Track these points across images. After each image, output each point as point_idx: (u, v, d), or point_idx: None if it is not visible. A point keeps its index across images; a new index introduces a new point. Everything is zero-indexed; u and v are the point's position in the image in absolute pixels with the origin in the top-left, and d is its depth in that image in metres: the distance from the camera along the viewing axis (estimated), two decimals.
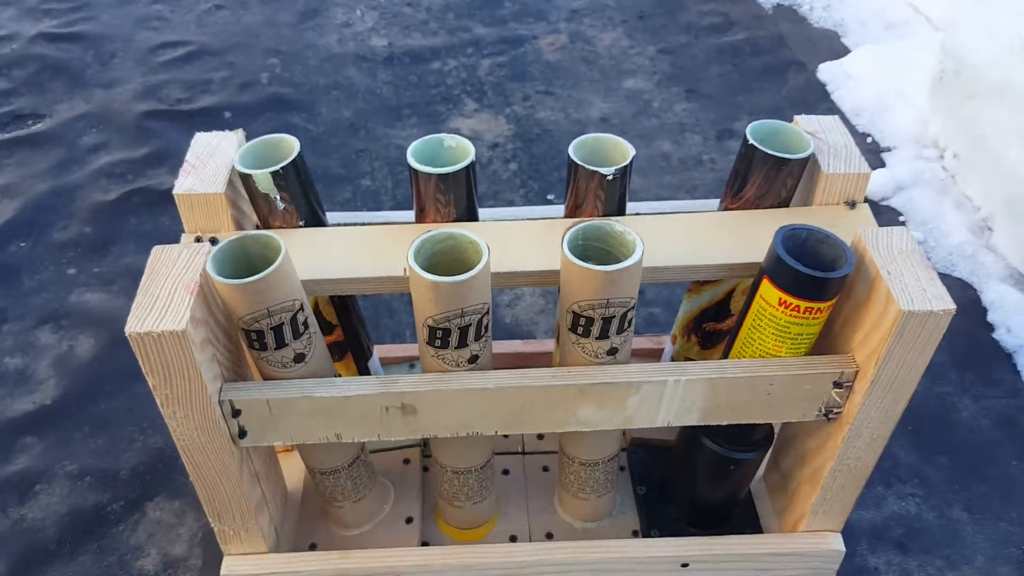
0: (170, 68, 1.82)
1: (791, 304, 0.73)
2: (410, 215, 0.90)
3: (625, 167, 0.81)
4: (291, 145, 0.80)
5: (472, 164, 0.81)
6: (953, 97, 1.45)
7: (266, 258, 0.72)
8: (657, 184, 1.51)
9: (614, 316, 0.73)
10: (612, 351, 0.77)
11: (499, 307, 1.28)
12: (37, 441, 1.09)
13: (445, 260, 0.74)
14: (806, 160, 0.83)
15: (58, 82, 1.78)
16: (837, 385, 0.77)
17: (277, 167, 0.78)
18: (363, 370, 0.97)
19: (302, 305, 0.73)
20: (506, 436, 1.06)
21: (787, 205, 0.86)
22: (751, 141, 0.82)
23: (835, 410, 0.79)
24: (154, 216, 1.43)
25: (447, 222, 0.83)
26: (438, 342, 0.74)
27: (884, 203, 1.46)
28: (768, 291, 0.75)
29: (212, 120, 1.66)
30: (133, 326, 0.67)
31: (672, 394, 0.77)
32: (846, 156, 0.85)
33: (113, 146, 1.59)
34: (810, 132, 0.87)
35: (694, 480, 0.92)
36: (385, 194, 1.50)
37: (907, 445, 1.09)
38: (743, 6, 2.05)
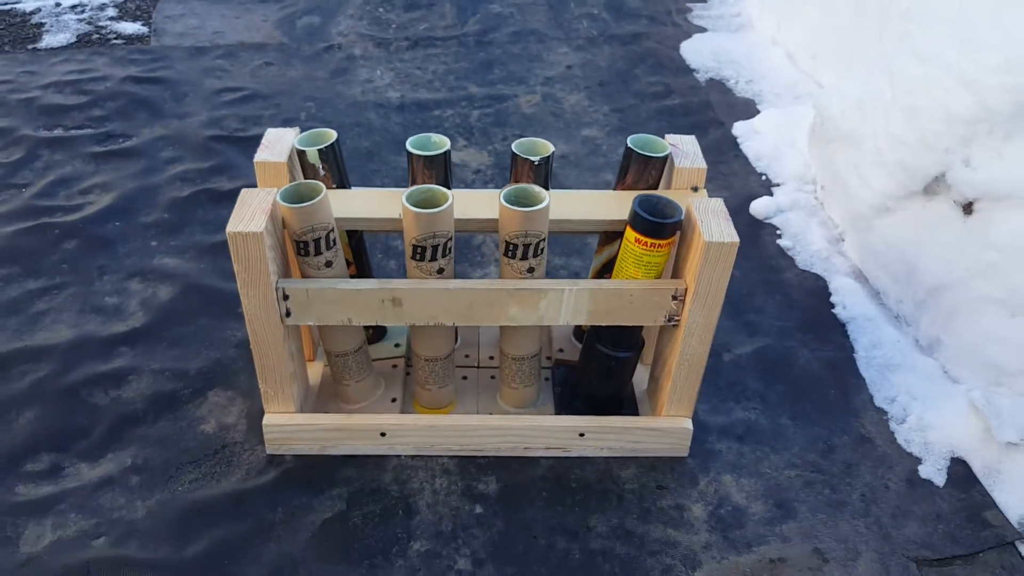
0: (230, 106, 2.23)
1: (642, 240, 1.11)
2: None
3: (547, 157, 1.19)
4: (331, 134, 1.19)
5: (448, 152, 1.19)
6: (820, 142, 1.84)
7: (311, 197, 1.10)
8: None
9: (530, 244, 1.10)
10: (530, 270, 1.13)
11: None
12: (129, 350, 1.45)
13: (425, 204, 1.11)
14: (665, 158, 1.21)
15: (142, 113, 2.19)
16: (674, 298, 1.14)
17: (322, 146, 1.17)
18: None
19: (333, 228, 1.11)
20: (467, 356, 1.41)
21: (655, 189, 1.24)
22: (630, 146, 1.21)
23: (675, 317, 1.15)
24: (216, 209, 1.81)
25: None
26: (418, 256, 1.11)
27: (767, 221, 1.84)
28: (629, 234, 1.12)
29: None
30: (231, 228, 1.04)
31: (568, 300, 1.13)
32: (692, 158, 1.23)
33: (185, 159, 1.98)
34: (672, 143, 1.25)
35: (591, 377, 1.27)
36: None
37: (756, 378, 1.44)
38: (683, 79, 2.48)
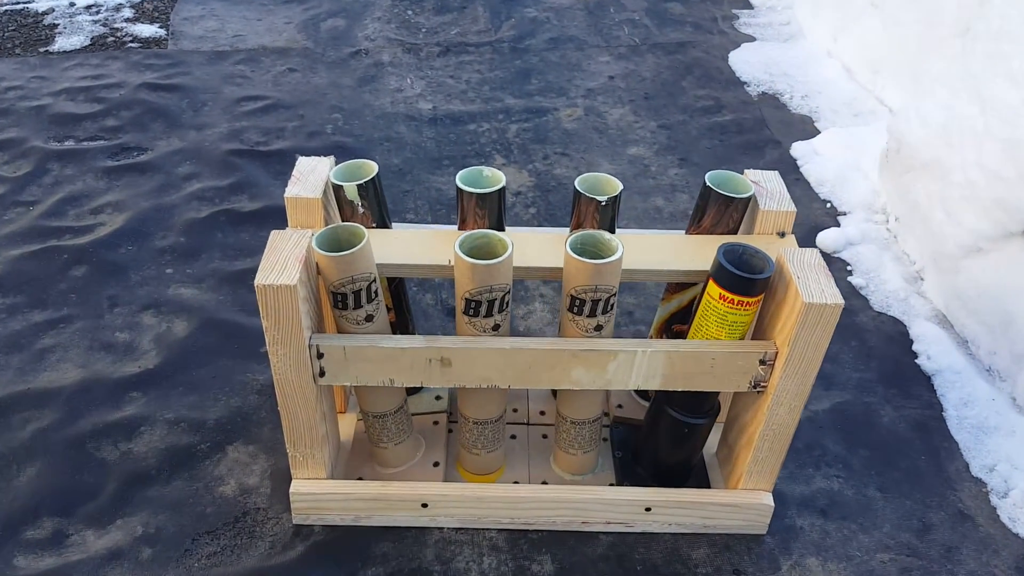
0: (251, 117, 2.12)
1: (728, 298, 0.98)
2: (454, 227, 1.15)
3: (615, 196, 1.06)
4: (371, 167, 1.06)
5: (503, 188, 1.07)
6: (896, 170, 1.70)
7: (350, 243, 0.98)
8: None
9: (600, 299, 0.98)
10: (598, 327, 1.01)
11: (514, 319, 1.52)
12: (141, 395, 1.33)
13: (480, 252, 0.99)
14: (748, 200, 1.08)
15: (158, 123, 2.07)
16: (763, 362, 1.00)
17: (361, 181, 1.04)
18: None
19: (375, 278, 0.98)
20: (515, 411, 1.28)
21: (735, 233, 1.11)
22: (709, 184, 1.08)
23: (762, 383, 1.02)
24: (236, 232, 1.69)
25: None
26: (471, 311, 0.98)
27: (836, 255, 1.70)
28: (712, 289, 0.99)
29: (285, 160, 1.94)
30: (260, 280, 0.91)
31: (641, 362, 1.00)
32: (778, 199, 1.10)
33: (203, 176, 1.87)
34: (754, 181, 1.12)
35: (658, 443, 1.14)
36: None
37: (836, 439, 1.31)
38: (733, 92, 2.34)
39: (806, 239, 1.74)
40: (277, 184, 1.84)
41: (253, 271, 1.57)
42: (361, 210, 1.06)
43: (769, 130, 2.16)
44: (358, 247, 0.93)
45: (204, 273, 1.59)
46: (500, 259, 0.94)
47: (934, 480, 1.25)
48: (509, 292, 0.99)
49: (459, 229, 1.09)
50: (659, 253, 1.06)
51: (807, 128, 2.17)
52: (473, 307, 0.97)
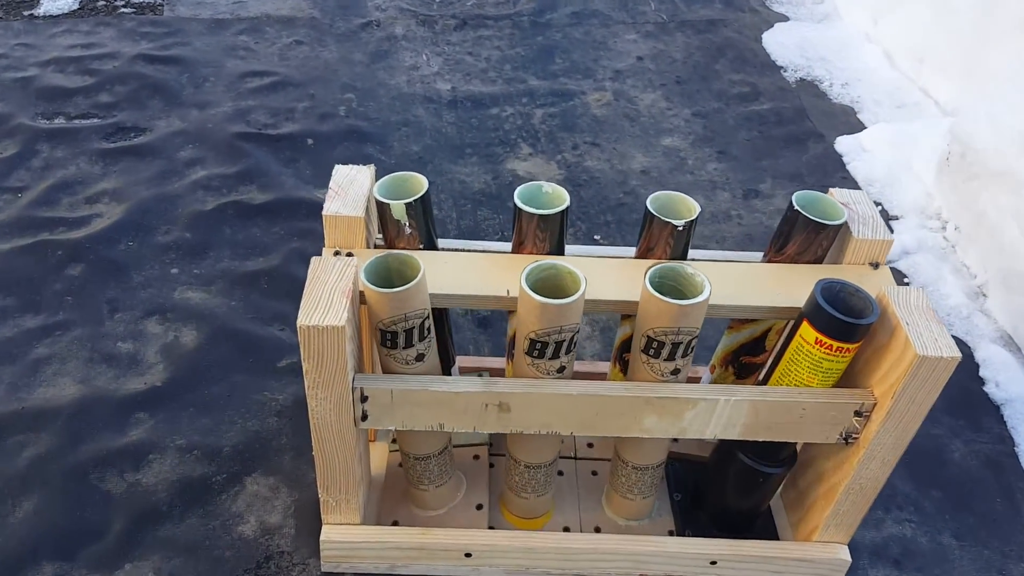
0: (257, 95, 1.97)
1: (825, 343, 0.87)
2: (505, 247, 1.04)
3: (692, 221, 0.96)
4: (420, 183, 0.95)
5: (567, 209, 0.96)
6: (957, 176, 1.60)
7: (402, 274, 0.87)
8: None
9: (681, 342, 0.87)
10: (675, 371, 0.91)
11: None
12: (148, 417, 1.22)
13: (547, 286, 0.88)
14: (840, 227, 0.97)
15: (157, 100, 1.93)
16: (858, 414, 0.91)
17: (410, 199, 0.92)
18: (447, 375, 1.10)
19: (428, 314, 0.87)
20: (562, 441, 1.19)
21: (821, 262, 1.01)
22: (796, 207, 0.97)
23: (854, 435, 0.93)
24: (246, 227, 1.57)
25: (542, 255, 0.97)
26: (536, 352, 0.88)
27: (891, 265, 1.60)
28: (807, 332, 0.89)
29: (296, 145, 1.81)
30: (303, 320, 0.80)
31: (722, 411, 0.90)
32: (873, 225, 0.99)
33: (208, 162, 1.74)
34: (843, 203, 1.02)
35: (726, 489, 1.05)
36: (450, 223, 1.64)
37: (905, 478, 1.22)
38: (769, 78, 2.22)
39: None
40: (288, 173, 1.72)
41: (267, 272, 1.46)
42: (408, 231, 0.95)
43: (810, 121, 2.05)
44: (414, 283, 0.82)
45: (213, 274, 1.47)
46: (573, 298, 0.83)
47: (1012, 525, 1.17)
48: (578, 331, 0.88)
49: (514, 251, 0.98)
50: (740, 285, 0.96)
51: (850, 120, 2.06)
52: (539, 348, 0.87)
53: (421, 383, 0.88)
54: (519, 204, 0.94)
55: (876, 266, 0.99)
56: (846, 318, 0.85)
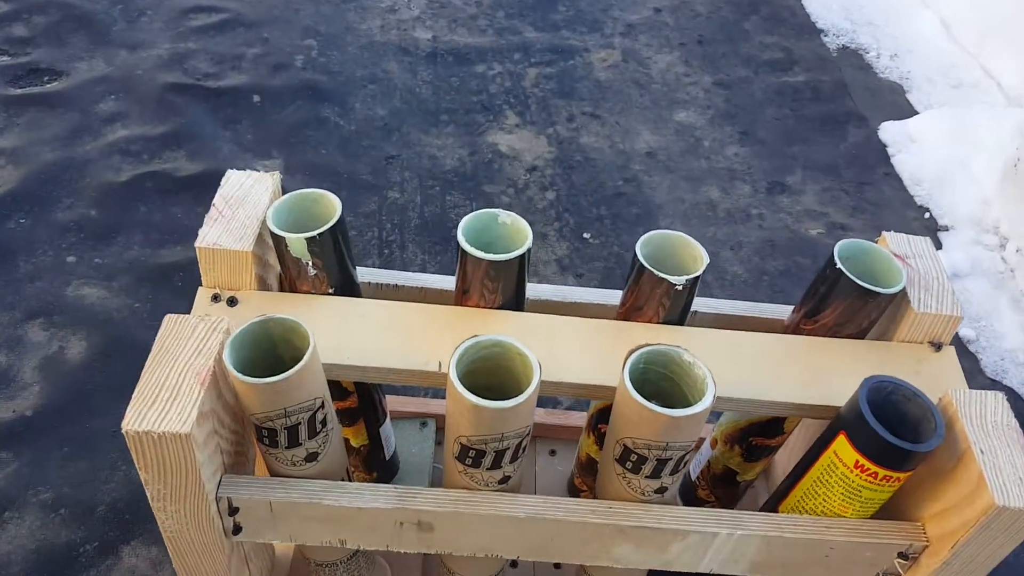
0: (200, 36, 1.71)
1: (869, 469, 0.65)
2: (448, 282, 0.81)
3: (695, 278, 0.72)
4: (330, 206, 0.71)
5: (528, 251, 0.72)
6: (1023, 186, 1.36)
7: (290, 343, 0.64)
8: (701, 236, 1.41)
9: (671, 459, 0.65)
10: (661, 490, 0.68)
11: None
12: (11, 458, 1.01)
13: (488, 367, 0.65)
14: (895, 296, 0.74)
15: (80, 36, 1.67)
16: (902, 556, 0.69)
17: (314, 233, 0.69)
18: (374, 436, 0.89)
19: (323, 403, 0.65)
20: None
21: (864, 336, 0.77)
22: (839, 265, 0.73)
23: None
24: (165, 206, 1.33)
25: (490, 308, 0.74)
26: (469, 460, 0.65)
27: None
28: (844, 450, 0.66)
29: (239, 103, 1.55)
30: (132, 422, 0.58)
31: (722, 546, 0.69)
32: (938, 292, 0.76)
33: (131, 119, 1.49)
34: (899, 255, 0.78)
35: None
36: (413, 210, 1.40)
37: None
38: (807, 43, 1.94)
39: None
40: (226, 137, 1.47)
41: (183, 266, 1.23)
42: (312, 272, 0.72)
43: (852, 100, 1.78)
44: (295, 370, 0.59)
45: (118, 265, 1.23)
46: (520, 399, 0.60)
47: None
48: (530, 435, 0.65)
49: (456, 301, 0.75)
50: (756, 368, 0.73)
51: (897, 101, 1.79)
52: (472, 456, 0.65)
53: (309, 492, 0.66)
54: (463, 244, 0.70)
55: (939, 347, 0.76)
56: (900, 443, 0.63)
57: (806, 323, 0.78)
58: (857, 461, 0.66)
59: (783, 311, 0.83)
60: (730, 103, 1.74)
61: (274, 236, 0.70)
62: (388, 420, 0.92)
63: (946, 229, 1.48)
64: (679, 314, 0.75)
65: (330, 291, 0.74)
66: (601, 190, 1.49)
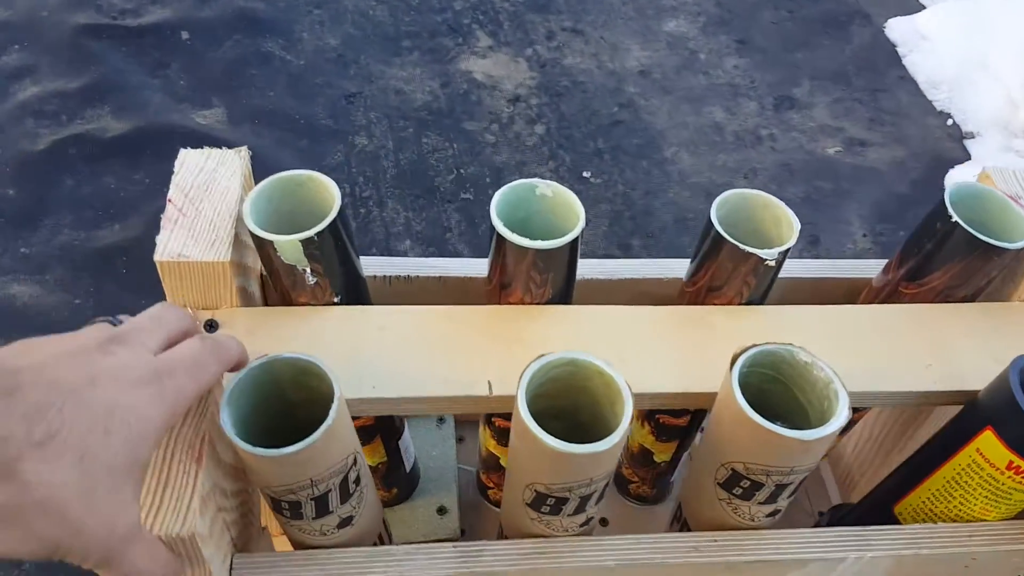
0: None
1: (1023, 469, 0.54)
2: (469, 264, 0.67)
3: (786, 250, 0.59)
4: (321, 189, 0.55)
5: (581, 232, 0.58)
6: None
7: (304, 384, 0.49)
8: (710, 165, 1.28)
9: (792, 482, 0.53)
10: (774, 514, 0.57)
11: None
12: None
13: (555, 389, 0.52)
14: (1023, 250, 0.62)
15: None
16: None
17: (310, 233, 0.53)
18: (392, 451, 0.75)
19: (355, 458, 0.51)
20: None
21: (976, 299, 0.66)
22: (954, 217, 0.61)
23: None
24: (95, 176, 1.14)
25: (538, 304, 0.61)
26: (547, 509, 0.53)
27: None
28: (992, 448, 0.55)
29: (165, 43, 1.34)
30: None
31: (845, 570, 0.58)
32: None
33: (41, 72, 1.27)
34: (1011, 196, 0.66)
35: None
36: (387, 158, 1.24)
37: None
38: None
39: (929, 179, 1.29)
40: (155, 86, 1.27)
41: (126, 248, 1.05)
42: (312, 279, 0.56)
43: None
44: (319, 433, 0.45)
45: (49, 254, 1.05)
46: (616, 438, 0.47)
47: None
48: (611, 478, 0.53)
49: (490, 296, 0.61)
50: (860, 348, 0.61)
51: None
52: (551, 504, 0.52)
53: (347, 565, 0.52)
54: (501, 229, 0.56)
55: None
56: None
57: (908, 286, 0.66)
58: (1011, 462, 0.55)
59: (866, 268, 0.71)
60: (722, 7, 1.58)
61: (257, 239, 0.54)
62: (407, 432, 0.78)
63: (972, 136, 1.37)
64: (762, 295, 0.63)
65: (335, 300, 0.59)
66: (595, 119, 1.33)
